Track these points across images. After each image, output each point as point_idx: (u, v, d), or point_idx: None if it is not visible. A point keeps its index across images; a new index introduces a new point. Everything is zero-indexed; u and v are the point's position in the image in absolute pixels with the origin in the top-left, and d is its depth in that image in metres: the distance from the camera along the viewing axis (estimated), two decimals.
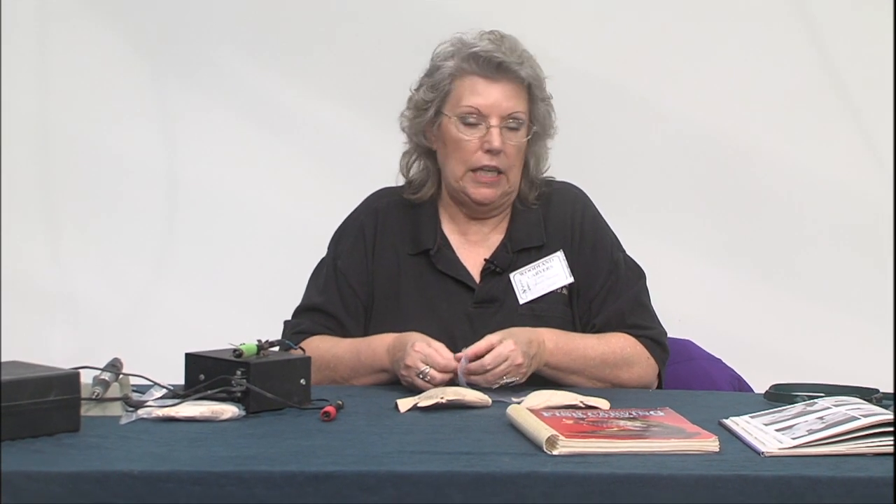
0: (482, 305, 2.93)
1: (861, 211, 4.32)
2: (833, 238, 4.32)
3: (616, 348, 2.89)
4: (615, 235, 3.05)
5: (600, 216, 3.06)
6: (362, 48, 4.25)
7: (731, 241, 4.33)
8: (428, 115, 2.95)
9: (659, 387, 2.96)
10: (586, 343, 2.87)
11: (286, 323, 3.00)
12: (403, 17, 4.23)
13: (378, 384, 2.82)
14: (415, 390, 2.67)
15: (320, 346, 2.82)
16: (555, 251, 2.96)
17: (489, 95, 2.90)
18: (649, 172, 4.32)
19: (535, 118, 2.95)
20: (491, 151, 2.90)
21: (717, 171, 4.33)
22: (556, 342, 2.82)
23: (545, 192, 3.03)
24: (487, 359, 2.69)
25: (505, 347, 2.70)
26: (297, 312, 3.02)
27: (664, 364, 2.96)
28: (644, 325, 2.95)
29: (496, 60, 2.89)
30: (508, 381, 2.70)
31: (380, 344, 2.83)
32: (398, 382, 2.77)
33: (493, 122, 2.89)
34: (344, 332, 2.96)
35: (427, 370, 2.68)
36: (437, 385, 2.66)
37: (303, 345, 2.73)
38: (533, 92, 2.94)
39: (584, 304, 2.96)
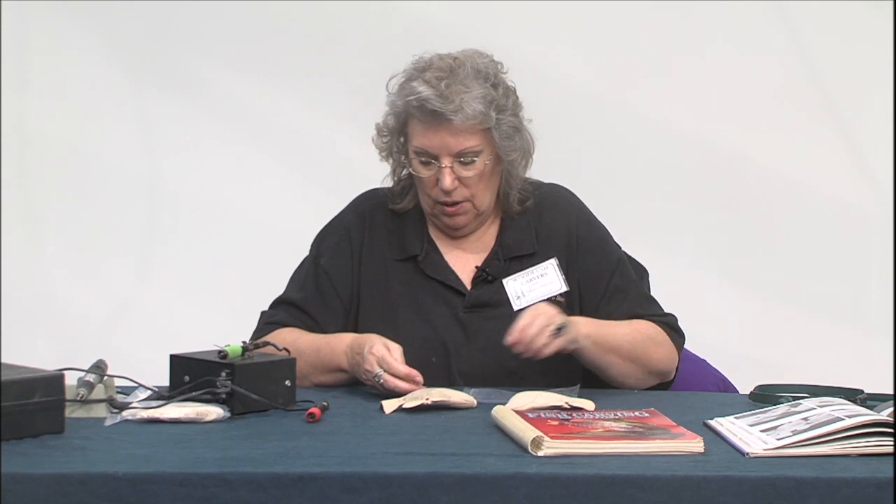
0: (473, 310, 2.90)
1: (845, 215, 4.33)
2: (818, 241, 4.34)
3: (641, 328, 2.90)
4: (611, 235, 3.05)
5: (595, 218, 3.04)
6: (343, 53, 4.25)
7: (716, 243, 4.34)
8: (396, 142, 2.94)
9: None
10: (613, 323, 2.88)
11: (262, 313, 2.97)
12: (386, 22, 4.22)
13: (337, 384, 2.80)
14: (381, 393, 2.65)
15: (286, 339, 2.76)
16: (548, 258, 2.93)
17: (434, 138, 2.84)
18: (635, 176, 4.32)
19: (495, 142, 2.87)
20: (444, 191, 2.87)
21: (702, 175, 4.35)
22: (585, 319, 2.84)
23: (534, 197, 2.99)
24: (523, 321, 2.72)
25: (536, 308, 2.76)
26: (275, 304, 2.99)
27: (681, 349, 2.96)
28: (657, 313, 2.97)
29: (429, 108, 2.81)
30: (555, 327, 2.72)
31: (339, 343, 2.81)
32: (360, 383, 2.75)
33: (444, 161, 2.84)
34: (318, 330, 2.92)
35: (380, 374, 2.65)
36: (390, 391, 2.63)
37: (269, 336, 2.73)
38: (485, 122, 2.85)
39: (590, 307, 2.94)
